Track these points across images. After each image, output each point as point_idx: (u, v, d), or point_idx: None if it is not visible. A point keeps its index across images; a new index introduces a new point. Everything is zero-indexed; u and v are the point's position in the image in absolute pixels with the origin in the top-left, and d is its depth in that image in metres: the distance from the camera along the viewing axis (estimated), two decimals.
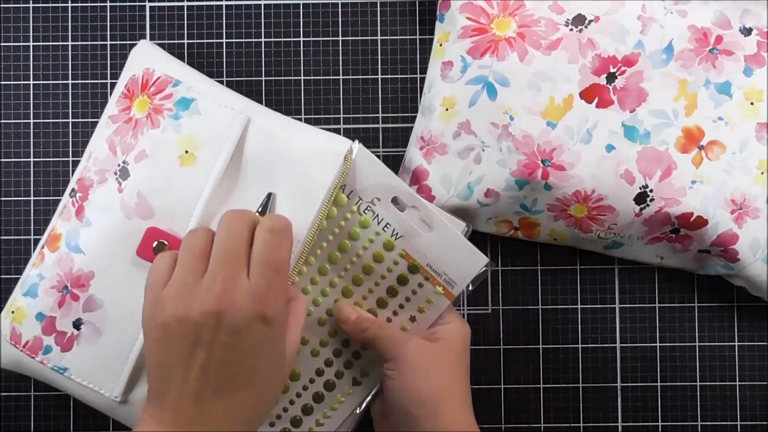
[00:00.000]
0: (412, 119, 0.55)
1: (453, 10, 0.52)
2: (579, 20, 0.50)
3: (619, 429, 0.56)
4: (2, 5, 0.56)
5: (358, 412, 0.51)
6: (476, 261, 0.49)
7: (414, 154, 0.52)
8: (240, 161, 0.48)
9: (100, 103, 0.56)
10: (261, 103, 0.55)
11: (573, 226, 0.51)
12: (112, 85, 0.55)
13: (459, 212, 0.51)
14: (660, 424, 0.56)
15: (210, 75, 0.55)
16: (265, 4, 0.56)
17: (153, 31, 0.56)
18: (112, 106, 0.50)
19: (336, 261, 0.49)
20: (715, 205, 0.49)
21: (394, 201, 0.49)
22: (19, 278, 0.51)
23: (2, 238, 0.55)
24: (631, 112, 0.50)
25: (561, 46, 0.50)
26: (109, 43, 0.56)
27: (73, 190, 0.50)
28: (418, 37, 0.56)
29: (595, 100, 0.50)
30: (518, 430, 0.56)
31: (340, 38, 0.56)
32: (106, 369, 0.48)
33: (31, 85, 0.56)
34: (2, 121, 0.56)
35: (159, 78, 0.49)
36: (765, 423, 0.56)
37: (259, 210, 0.47)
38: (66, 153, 0.55)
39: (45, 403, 0.55)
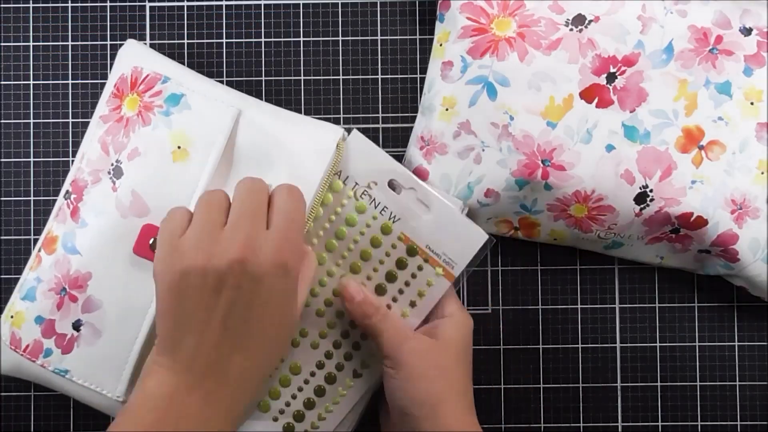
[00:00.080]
0: (412, 119, 0.55)
1: (453, 10, 0.52)
2: (579, 20, 0.50)
3: (619, 429, 0.56)
4: (2, 5, 0.56)
5: (359, 410, 0.51)
6: (476, 238, 0.48)
7: (414, 154, 0.53)
8: (233, 154, 0.48)
9: None
10: None
11: (573, 226, 0.51)
12: None
13: None
14: (660, 424, 0.56)
15: (210, 75, 0.55)
16: (265, 4, 0.56)
17: (153, 31, 0.56)
18: (103, 107, 0.51)
19: (333, 249, 0.49)
20: (715, 205, 0.49)
21: (391, 184, 0.49)
22: (18, 278, 0.51)
23: (2, 238, 0.55)
24: (631, 112, 0.50)
25: (561, 46, 0.50)
26: (109, 43, 0.56)
27: (67, 191, 0.50)
28: (418, 37, 0.56)
29: (595, 100, 0.50)
30: (518, 430, 0.56)
31: (340, 38, 0.56)
32: (108, 369, 0.48)
33: (31, 85, 0.56)
34: (2, 121, 0.56)
35: (148, 76, 0.49)
36: (765, 423, 0.56)
37: None
38: (66, 153, 0.55)
39: (45, 403, 0.55)
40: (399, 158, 0.55)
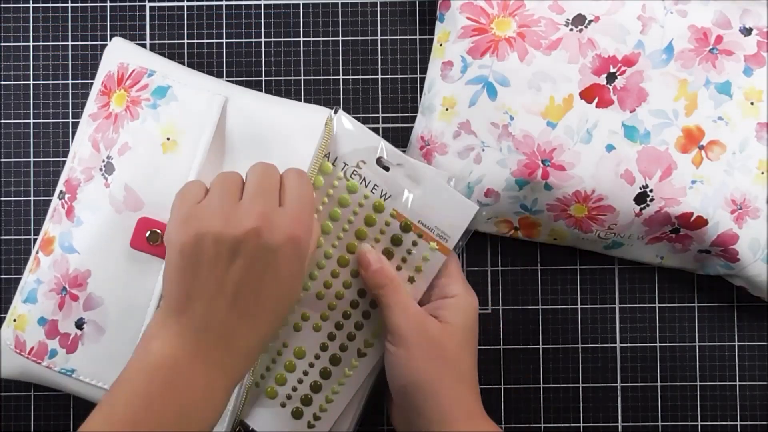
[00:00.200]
0: (412, 119, 0.55)
1: (453, 10, 0.52)
2: (579, 20, 0.50)
3: (619, 429, 0.56)
4: (2, 5, 0.56)
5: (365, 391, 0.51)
6: (466, 209, 0.49)
7: (414, 154, 0.52)
8: (223, 142, 0.48)
9: None
10: None
11: (573, 226, 0.51)
12: None
13: None
14: (660, 424, 0.56)
15: (210, 75, 0.55)
16: (265, 4, 0.56)
17: (153, 31, 0.56)
18: (91, 105, 0.51)
19: (329, 231, 0.50)
20: (715, 205, 0.49)
21: (379, 162, 0.49)
22: (19, 278, 0.51)
23: (2, 238, 0.55)
24: (631, 112, 0.50)
25: (561, 46, 0.50)
26: (109, 43, 0.56)
27: (61, 192, 0.50)
28: (418, 37, 0.56)
29: (595, 100, 0.50)
30: (518, 430, 0.56)
31: (340, 38, 0.56)
32: (113, 365, 0.47)
33: (31, 85, 0.56)
34: (2, 121, 0.56)
35: (134, 71, 0.49)
36: (765, 423, 0.56)
37: None
38: (66, 153, 0.55)
39: (45, 403, 0.55)
40: None
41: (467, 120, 0.51)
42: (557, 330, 0.56)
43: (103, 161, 0.48)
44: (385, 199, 0.49)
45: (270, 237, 0.40)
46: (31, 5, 0.56)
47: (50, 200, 0.55)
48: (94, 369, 0.48)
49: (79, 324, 0.48)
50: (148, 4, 0.56)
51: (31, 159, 0.56)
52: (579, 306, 0.56)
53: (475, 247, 0.56)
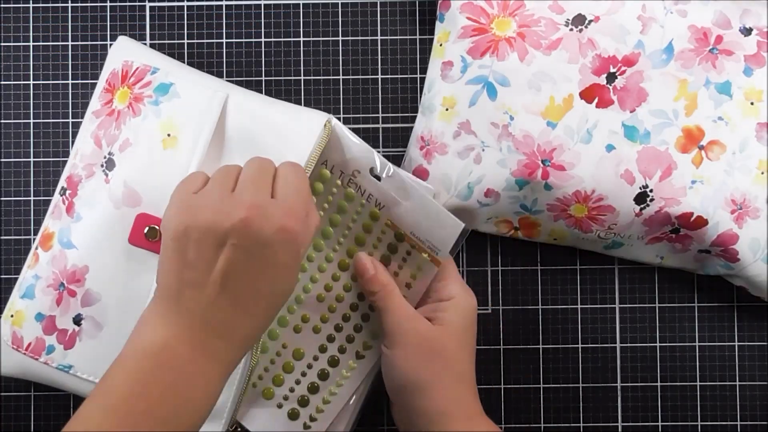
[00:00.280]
0: (412, 119, 0.55)
1: (453, 10, 0.52)
2: (579, 20, 0.50)
3: (619, 429, 0.56)
4: (2, 5, 0.56)
5: (364, 389, 0.51)
6: (453, 227, 0.48)
7: (414, 154, 0.53)
8: (222, 139, 0.48)
9: None
10: None
11: (573, 226, 0.51)
12: None
13: (459, 212, 0.51)
14: (660, 424, 0.56)
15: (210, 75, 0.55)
16: (265, 4, 0.56)
17: (153, 31, 0.56)
18: (95, 102, 0.51)
19: (329, 236, 0.50)
20: (715, 205, 0.49)
21: (372, 172, 0.49)
22: (18, 278, 0.51)
23: (2, 238, 0.55)
24: (631, 112, 0.50)
25: (561, 46, 0.50)
26: (109, 43, 0.56)
27: (62, 188, 0.50)
28: (418, 37, 0.56)
29: (595, 100, 0.50)
30: (518, 430, 0.56)
31: (340, 38, 0.56)
32: (111, 362, 0.48)
33: (31, 85, 0.56)
34: (2, 121, 0.56)
35: (138, 68, 0.49)
36: (765, 423, 0.56)
37: None
38: (66, 153, 0.55)
39: (45, 403, 0.55)
40: (399, 158, 0.55)
41: (467, 120, 0.51)
42: (557, 330, 0.56)
43: (105, 157, 0.49)
44: (380, 209, 0.49)
45: (260, 228, 0.40)
46: (31, 5, 0.56)
47: (50, 200, 0.55)
48: (91, 365, 0.48)
49: (77, 320, 0.48)
50: (148, 4, 0.56)
51: (31, 159, 0.56)
52: (579, 306, 0.56)
53: (475, 247, 0.56)
